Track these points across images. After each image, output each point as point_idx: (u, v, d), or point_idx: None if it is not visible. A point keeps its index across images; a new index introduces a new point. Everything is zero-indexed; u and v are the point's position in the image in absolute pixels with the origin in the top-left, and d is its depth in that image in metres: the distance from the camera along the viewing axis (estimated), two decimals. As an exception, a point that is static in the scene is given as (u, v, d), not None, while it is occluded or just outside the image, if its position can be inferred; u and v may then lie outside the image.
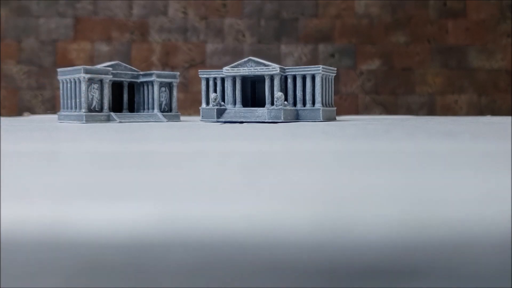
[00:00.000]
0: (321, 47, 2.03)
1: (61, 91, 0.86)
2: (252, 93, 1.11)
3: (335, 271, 0.09)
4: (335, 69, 1.23)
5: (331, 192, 0.12)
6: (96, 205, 0.11)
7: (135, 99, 0.88)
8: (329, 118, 1.17)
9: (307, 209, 0.10)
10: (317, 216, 0.10)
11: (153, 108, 0.84)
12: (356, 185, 0.13)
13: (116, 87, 0.85)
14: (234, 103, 0.96)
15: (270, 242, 0.09)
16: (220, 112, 0.90)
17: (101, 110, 0.79)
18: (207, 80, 0.96)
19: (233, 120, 0.93)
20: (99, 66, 0.83)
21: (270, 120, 1.02)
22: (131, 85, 0.87)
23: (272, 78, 1.05)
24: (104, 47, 2.09)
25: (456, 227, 0.09)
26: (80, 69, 0.78)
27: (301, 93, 1.11)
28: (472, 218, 0.10)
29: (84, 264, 0.09)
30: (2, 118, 1.00)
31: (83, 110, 0.77)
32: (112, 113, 0.79)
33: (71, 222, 0.10)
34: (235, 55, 2.05)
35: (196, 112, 1.75)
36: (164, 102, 0.86)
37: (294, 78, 1.11)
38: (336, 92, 1.93)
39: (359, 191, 0.12)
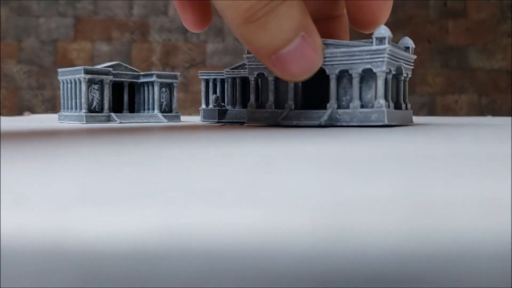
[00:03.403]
0: (322, 47, 2.03)
1: (61, 91, 0.86)
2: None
3: (335, 278, 0.09)
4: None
5: (329, 197, 0.12)
6: (96, 212, 0.11)
7: (136, 100, 0.88)
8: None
9: (307, 216, 0.10)
10: (317, 222, 0.10)
11: (153, 109, 0.84)
12: (355, 190, 0.13)
13: (117, 87, 0.85)
14: (234, 104, 0.96)
15: (271, 250, 0.09)
16: (221, 113, 0.90)
17: (101, 110, 0.79)
18: (207, 81, 0.97)
19: (234, 121, 0.93)
20: (99, 67, 0.83)
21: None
22: (132, 86, 0.87)
23: (272, 78, 1.05)
24: (104, 47, 2.08)
25: (460, 234, 0.09)
26: (81, 69, 0.78)
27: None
28: (475, 225, 0.10)
29: (84, 272, 0.09)
30: (2, 118, 1.00)
31: (84, 111, 0.77)
32: (112, 114, 0.79)
33: (70, 229, 0.10)
34: (235, 55, 2.05)
35: (196, 112, 1.75)
36: (164, 103, 0.86)
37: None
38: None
39: (358, 197, 0.12)
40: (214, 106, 0.88)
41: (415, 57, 0.61)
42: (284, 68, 0.36)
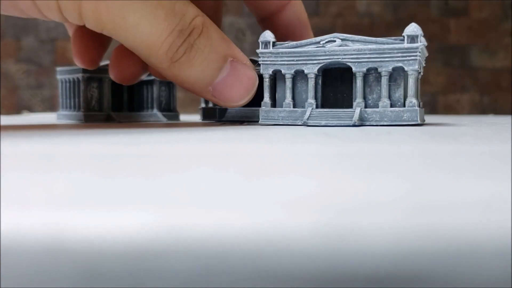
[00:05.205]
0: (322, 46, 2.03)
1: (60, 90, 0.85)
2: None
3: (336, 279, 0.09)
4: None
5: (331, 198, 0.11)
6: (95, 212, 0.11)
7: (135, 99, 0.88)
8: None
9: (308, 216, 0.10)
10: (317, 223, 0.09)
11: (152, 108, 0.83)
12: (356, 190, 0.12)
13: (116, 86, 0.84)
14: (235, 102, 0.96)
15: (272, 250, 0.09)
16: (220, 112, 0.90)
17: (100, 109, 0.78)
18: (208, 79, 0.96)
19: (234, 120, 0.92)
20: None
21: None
22: (131, 84, 0.87)
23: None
24: (104, 46, 2.08)
25: (460, 234, 0.09)
26: (79, 68, 0.78)
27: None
28: (475, 225, 0.09)
29: (84, 272, 0.09)
30: (1, 117, 0.99)
31: (82, 110, 0.77)
32: (111, 113, 0.79)
33: (70, 229, 0.10)
34: (235, 54, 2.05)
35: (196, 112, 1.74)
36: (164, 102, 0.85)
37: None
38: (337, 91, 1.92)
39: (360, 197, 0.12)
40: (214, 105, 0.88)
41: (427, 54, 0.61)
42: (223, 96, 0.38)
